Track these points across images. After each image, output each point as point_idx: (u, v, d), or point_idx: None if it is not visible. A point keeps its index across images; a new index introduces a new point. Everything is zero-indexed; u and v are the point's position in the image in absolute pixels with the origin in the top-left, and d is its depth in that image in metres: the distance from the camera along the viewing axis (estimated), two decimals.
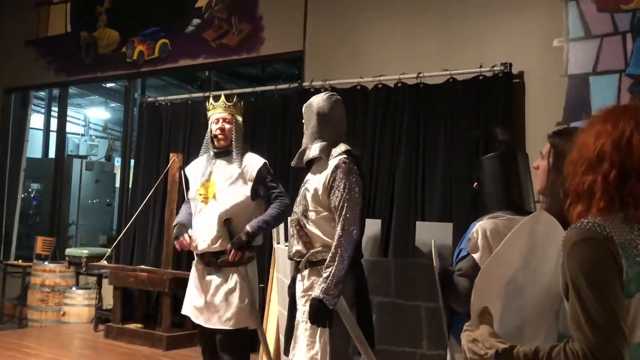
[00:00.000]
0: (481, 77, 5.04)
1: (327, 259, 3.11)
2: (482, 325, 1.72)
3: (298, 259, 3.29)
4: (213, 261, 3.85)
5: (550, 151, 2.31)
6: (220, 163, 3.94)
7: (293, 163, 3.48)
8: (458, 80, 5.15)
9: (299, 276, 3.29)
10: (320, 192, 3.21)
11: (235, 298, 3.79)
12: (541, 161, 2.36)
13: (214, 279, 3.84)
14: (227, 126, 3.94)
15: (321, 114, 3.31)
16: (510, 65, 4.96)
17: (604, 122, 1.59)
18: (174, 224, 4.12)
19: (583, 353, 1.45)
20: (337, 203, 3.15)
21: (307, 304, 3.16)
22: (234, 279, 3.83)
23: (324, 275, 3.08)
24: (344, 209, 3.13)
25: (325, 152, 3.26)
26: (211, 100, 4.08)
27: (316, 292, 3.08)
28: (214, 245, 3.83)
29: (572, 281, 1.50)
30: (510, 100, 4.96)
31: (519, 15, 5.10)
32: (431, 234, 3.84)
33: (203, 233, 3.87)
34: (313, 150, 3.30)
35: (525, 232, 1.86)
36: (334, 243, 3.11)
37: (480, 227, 2.47)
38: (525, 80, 5.02)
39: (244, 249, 3.79)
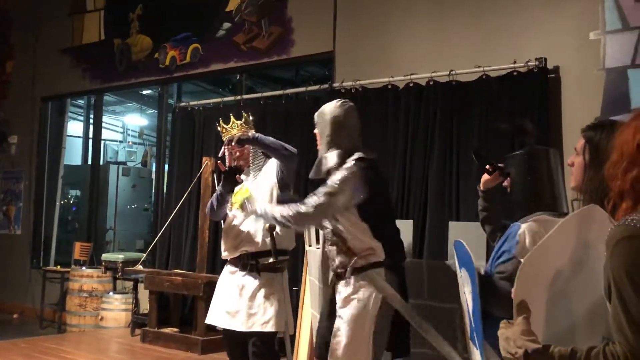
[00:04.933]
0: (515, 73, 4.93)
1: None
2: (517, 322, 1.65)
3: (341, 270, 3.18)
4: (252, 265, 3.79)
5: (586, 146, 2.21)
6: (248, 176, 3.91)
7: (311, 175, 3.36)
8: (491, 77, 5.05)
9: (342, 282, 3.18)
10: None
11: (274, 301, 3.76)
12: (576, 157, 2.26)
13: (250, 282, 3.79)
14: (244, 146, 3.87)
15: (336, 122, 3.21)
16: (545, 60, 4.84)
17: None
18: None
19: (625, 357, 1.37)
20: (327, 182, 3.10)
21: (350, 310, 3.09)
22: (272, 282, 3.80)
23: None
24: (322, 189, 3.06)
25: (342, 161, 3.15)
26: (222, 123, 3.96)
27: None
28: (256, 247, 3.78)
29: (615, 281, 1.42)
30: (545, 96, 4.83)
31: (553, 8, 4.97)
32: (464, 234, 3.75)
33: (243, 236, 3.82)
34: (330, 159, 3.18)
35: (576, 225, 1.77)
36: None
37: (527, 230, 2.35)
38: (561, 75, 4.89)
39: (241, 142, 3.76)
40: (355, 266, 3.12)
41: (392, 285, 3.06)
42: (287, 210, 3.09)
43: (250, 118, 3.94)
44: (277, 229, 3.71)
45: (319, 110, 3.32)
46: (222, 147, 3.93)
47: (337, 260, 3.20)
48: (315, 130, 3.33)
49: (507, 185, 2.65)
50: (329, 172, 3.19)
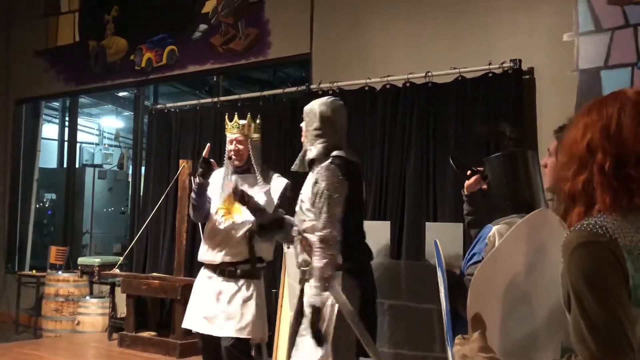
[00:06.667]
0: (490, 75, 4.96)
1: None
2: (473, 339, 1.61)
3: (305, 268, 3.24)
4: (231, 271, 3.82)
5: (558, 147, 2.23)
6: (243, 181, 3.89)
7: (294, 167, 3.42)
8: (467, 78, 5.07)
9: (306, 285, 3.23)
10: (309, 197, 3.19)
11: (251, 308, 3.79)
12: (549, 158, 2.28)
13: (229, 288, 3.82)
14: (240, 147, 3.91)
15: (324, 117, 3.27)
16: (520, 61, 4.88)
17: (588, 114, 1.47)
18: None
19: None
20: (318, 204, 3.11)
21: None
22: (251, 289, 3.82)
23: (311, 282, 3.05)
24: (322, 210, 3.09)
25: (324, 155, 3.20)
26: (227, 119, 4.03)
27: (309, 299, 3.07)
28: (236, 257, 3.82)
29: (574, 289, 1.36)
30: (520, 97, 4.88)
31: (527, 10, 5.01)
32: (441, 235, 3.78)
33: (224, 244, 3.83)
34: (314, 152, 3.24)
35: (526, 231, 1.74)
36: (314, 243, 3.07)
37: (497, 232, 2.36)
38: (535, 77, 4.93)
39: (241, 200, 3.69)
40: None
41: (349, 290, 3.09)
42: (320, 263, 3.04)
43: (258, 121, 3.99)
44: (256, 237, 3.75)
45: (309, 105, 3.38)
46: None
47: (301, 258, 3.25)
48: (302, 124, 3.38)
49: (485, 187, 2.66)
50: (312, 162, 3.24)
